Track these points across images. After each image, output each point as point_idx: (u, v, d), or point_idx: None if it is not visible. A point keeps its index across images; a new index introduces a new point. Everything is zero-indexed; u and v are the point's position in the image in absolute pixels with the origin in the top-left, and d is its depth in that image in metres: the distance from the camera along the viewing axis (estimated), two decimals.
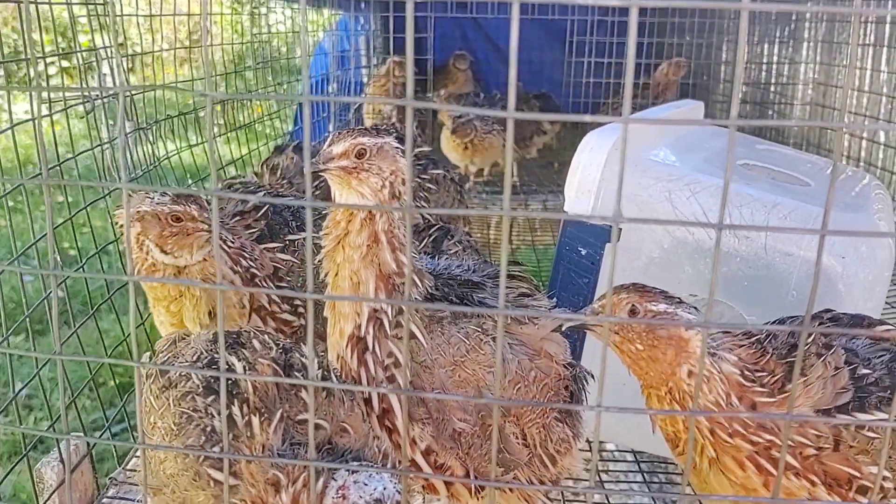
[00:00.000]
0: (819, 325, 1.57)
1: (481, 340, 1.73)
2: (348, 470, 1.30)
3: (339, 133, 1.66)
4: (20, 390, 2.08)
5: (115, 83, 2.53)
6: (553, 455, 1.87)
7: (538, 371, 1.82)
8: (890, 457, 1.41)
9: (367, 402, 1.73)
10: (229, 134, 4.00)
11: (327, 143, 1.67)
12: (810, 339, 1.47)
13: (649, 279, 2.27)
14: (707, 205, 2.20)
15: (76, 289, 4.67)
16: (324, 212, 1.80)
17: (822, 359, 1.45)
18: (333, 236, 1.68)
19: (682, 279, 2.23)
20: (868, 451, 1.38)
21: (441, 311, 1.79)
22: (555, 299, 2.16)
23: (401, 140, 1.65)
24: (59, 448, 1.88)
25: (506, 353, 1.77)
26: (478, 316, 1.80)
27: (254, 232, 2.23)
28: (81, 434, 2.08)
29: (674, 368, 1.43)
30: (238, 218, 2.25)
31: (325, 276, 1.72)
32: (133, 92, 2.54)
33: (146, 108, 3.18)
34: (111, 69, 2.51)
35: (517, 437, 1.80)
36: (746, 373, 1.44)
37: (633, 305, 1.45)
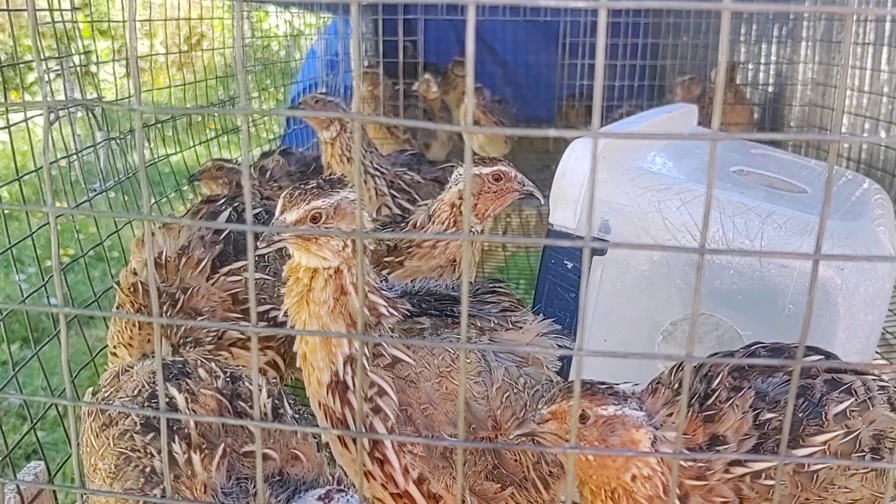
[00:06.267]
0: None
1: (467, 349, 1.65)
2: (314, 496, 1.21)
3: (289, 196, 1.56)
4: None
5: (68, 93, 2.44)
6: (546, 478, 1.79)
7: (528, 378, 1.74)
8: (820, 496, 1.32)
9: (355, 439, 1.66)
10: (219, 139, 3.92)
11: (279, 208, 1.56)
12: (718, 381, 1.39)
13: (640, 292, 2.18)
14: (698, 215, 2.10)
15: (73, 294, 4.61)
16: None
17: (730, 403, 1.37)
18: (295, 293, 1.60)
19: (672, 292, 2.13)
20: (771, 499, 1.30)
21: (421, 324, 1.73)
22: (540, 314, 2.08)
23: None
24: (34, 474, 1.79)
25: (490, 361, 1.70)
26: (459, 325, 1.74)
27: (209, 253, 2.14)
28: (17, 480, 1.96)
29: (620, 473, 1.31)
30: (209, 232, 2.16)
31: (293, 327, 1.65)
32: (64, 106, 2.41)
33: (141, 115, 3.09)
34: (67, 78, 2.42)
35: (511, 453, 1.73)
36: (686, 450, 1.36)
37: (582, 411, 1.32)
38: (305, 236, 1.54)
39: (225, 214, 2.18)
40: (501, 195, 2.17)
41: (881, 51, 3.97)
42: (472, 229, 2.18)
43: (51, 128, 2.29)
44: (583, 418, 1.31)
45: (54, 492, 1.98)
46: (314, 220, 1.55)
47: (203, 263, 2.13)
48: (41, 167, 2.21)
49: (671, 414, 1.38)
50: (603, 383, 1.35)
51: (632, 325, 2.19)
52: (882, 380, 1.45)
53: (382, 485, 1.66)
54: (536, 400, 1.72)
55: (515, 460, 1.71)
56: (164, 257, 2.12)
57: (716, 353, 1.57)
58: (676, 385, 1.42)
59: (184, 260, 2.12)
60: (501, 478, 1.69)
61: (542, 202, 2.27)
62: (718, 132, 0.94)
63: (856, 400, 1.38)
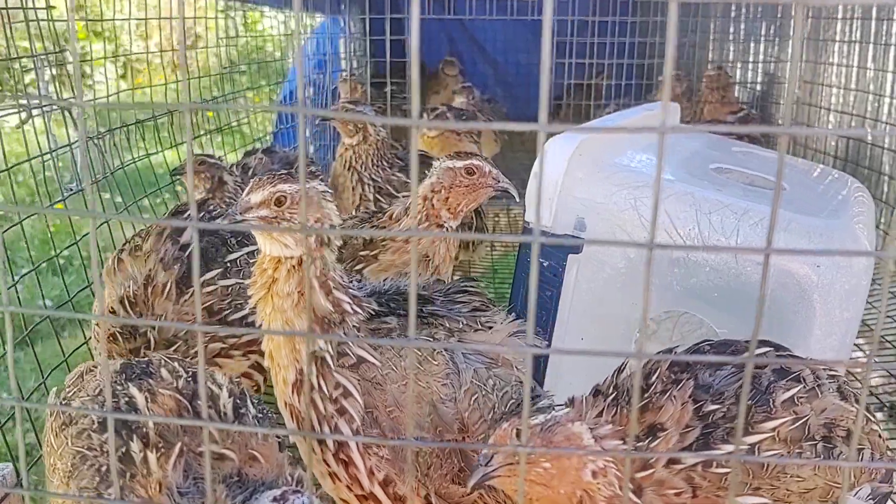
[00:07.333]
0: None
1: (433, 350, 1.64)
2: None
3: (258, 179, 1.59)
4: None
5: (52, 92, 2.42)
6: None
7: (497, 379, 1.73)
8: (772, 485, 1.31)
9: (321, 440, 1.65)
10: (211, 136, 3.93)
11: (246, 190, 1.59)
12: (656, 376, 1.39)
13: (616, 290, 2.17)
14: (674, 212, 2.09)
15: (63, 297, 4.61)
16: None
17: (668, 394, 1.38)
18: (260, 284, 1.61)
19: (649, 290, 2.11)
20: (726, 487, 1.30)
21: (388, 323, 1.72)
22: (513, 314, 2.07)
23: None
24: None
25: (459, 363, 1.68)
26: (428, 325, 1.73)
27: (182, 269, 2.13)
28: None
29: (580, 473, 1.29)
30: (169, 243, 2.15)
31: (260, 325, 1.65)
32: (37, 105, 2.39)
33: (121, 114, 3.10)
34: (52, 77, 2.41)
35: (478, 455, 1.71)
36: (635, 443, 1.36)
37: (515, 429, 1.32)
38: (268, 219, 1.56)
39: (189, 232, 2.15)
40: (474, 190, 2.15)
41: (867, 48, 3.96)
42: (446, 225, 2.17)
43: (23, 126, 2.27)
44: (520, 435, 1.31)
45: (23, 499, 1.96)
46: (278, 202, 1.57)
47: (167, 288, 2.12)
48: (13, 166, 2.20)
49: (603, 417, 1.37)
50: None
51: (608, 323, 2.17)
52: (833, 370, 1.46)
53: (348, 486, 1.64)
54: (505, 402, 1.70)
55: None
56: (132, 293, 2.10)
57: (659, 352, 1.57)
58: (611, 391, 1.42)
59: (150, 289, 2.12)
60: (468, 480, 1.67)
61: (518, 199, 2.25)
62: (666, 125, 0.93)
63: (804, 387, 1.39)
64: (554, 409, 1.43)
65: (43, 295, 2.60)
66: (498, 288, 3.83)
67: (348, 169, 3.05)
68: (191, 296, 2.12)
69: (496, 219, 4.98)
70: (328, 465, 1.66)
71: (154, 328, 2.06)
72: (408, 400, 0.99)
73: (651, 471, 1.32)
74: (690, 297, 2.10)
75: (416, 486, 1.66)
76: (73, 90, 3.05)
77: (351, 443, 1.63)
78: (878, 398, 2.85)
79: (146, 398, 1.37)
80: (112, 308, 2.14)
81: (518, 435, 1.32)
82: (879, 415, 2.92)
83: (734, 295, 2.06)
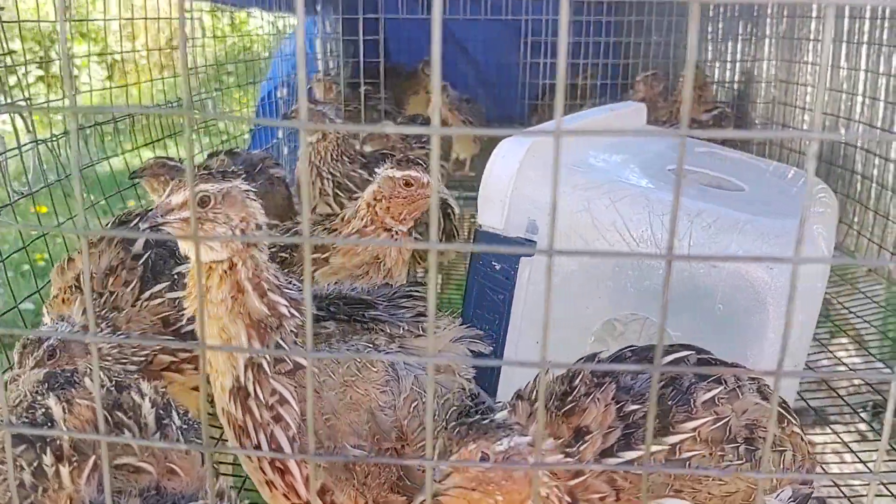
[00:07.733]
0: (597, 363, 1.50)
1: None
2: None
3: (178, 181, 1.54)
4: None
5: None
6: None
7: (439, 386, 1.70)
8: (693, 488, 1.29)
9: (258, 446, 1.61)
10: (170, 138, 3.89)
11: (166, 192, 1.54)
12: (580, 379, 1.37)
13: (569, 294, 2.14)
14: (628, 214, 2.06)
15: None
16: None
17: (591, 397, 1.35)
18: (195, 295, 1.57)
19: (601, 294, 2.08)
20: (645, 489, 1.26)
21: (327, 328, 1.69)
22: (470, 317, 2.03)
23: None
24: None
25: (399, 370, 1.65)
26: (368, 330, 1.70)
27: (133, 277, 2.11)
28: None
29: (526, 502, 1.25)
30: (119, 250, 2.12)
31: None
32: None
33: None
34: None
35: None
36: (567, 450, 1.33)
37: (481, 453, 1.25)
38: (190, 220, 1.51)
39: (141, 242, 2.11)
40: (413, 201, 2.14)
41: (840, 47, 3.94)
42: (394, 229, 2.14)
43: None
44: (484, 459, 1.26)
45: None
46: (202, 203, 1.52)
47: (132, 284, 2.10)
48: None
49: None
50: (485, 416, 1.30)
51: (562, 327, 2.14)
52: (754, 371, 1.45)
53: (284, 495, 1.61)
54: (446, 409, 1.67)
55: (423, 472, 1.66)
56: (91, 272, 2.08)
57: (579, 359, 1.54)
58: (535, 396, 1.39)
59: (112, 279, 2.09)
60: (407, 490, 1.64)
61: (457, 211, 2.24)
62: (561, 129, 0.90)
63: (725, 388, 1.38)
64: (506, 424, 1.36)
65: None
66: None
67: (308, 165, 3.04)
68: (142, 305, 2.10)
69: (472, 219, 4.95)
70: (264, 472, 1.63)
71: (120, 314, 2.05)
72: (308, 413, 0.96)
73: (583, 477, 1.29)
74: (645, 300, 2.07)
75: (354, 494, 1.63)
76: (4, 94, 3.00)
77: (286, 449, 1.59)
78: (844, 400, 2.82)
79: (63, 408, 1.33)
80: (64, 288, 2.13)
81: (483, 458, 1.26)
82: (864, 414, 2.90)
83: (687, 298, 2.03)
